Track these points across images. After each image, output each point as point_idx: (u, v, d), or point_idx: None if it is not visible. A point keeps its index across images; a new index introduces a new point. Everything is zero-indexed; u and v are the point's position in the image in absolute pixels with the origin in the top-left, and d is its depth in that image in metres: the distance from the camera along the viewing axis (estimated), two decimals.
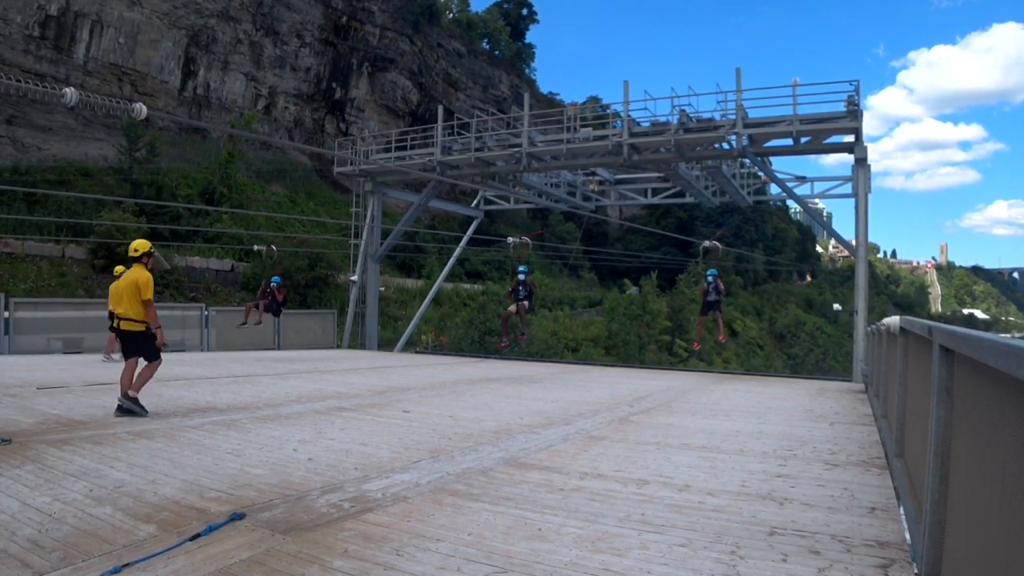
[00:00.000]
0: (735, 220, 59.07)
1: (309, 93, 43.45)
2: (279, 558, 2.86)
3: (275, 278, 15.08)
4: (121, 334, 6.65)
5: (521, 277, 12.10)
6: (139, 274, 6.51)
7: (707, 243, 12.77)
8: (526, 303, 12.02)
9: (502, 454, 5.14)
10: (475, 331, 29.54)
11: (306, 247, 29.32)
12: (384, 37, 46.86)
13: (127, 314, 6.47)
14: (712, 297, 11.96)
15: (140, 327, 6.50)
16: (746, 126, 13.76)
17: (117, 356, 12.18)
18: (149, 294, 6.45)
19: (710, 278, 12.13)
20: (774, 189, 18.28)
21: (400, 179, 20.02)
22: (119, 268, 10.39)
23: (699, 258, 15.45)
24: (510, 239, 14.64)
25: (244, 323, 15.14)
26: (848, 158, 13.93)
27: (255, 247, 19.99)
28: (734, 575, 2.78)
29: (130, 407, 6.25)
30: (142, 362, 6.60)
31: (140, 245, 6.72)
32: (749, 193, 18.73)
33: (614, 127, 16.49)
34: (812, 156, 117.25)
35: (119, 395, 6.34)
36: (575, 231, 46.92)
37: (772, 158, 15.62)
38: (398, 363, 14.79)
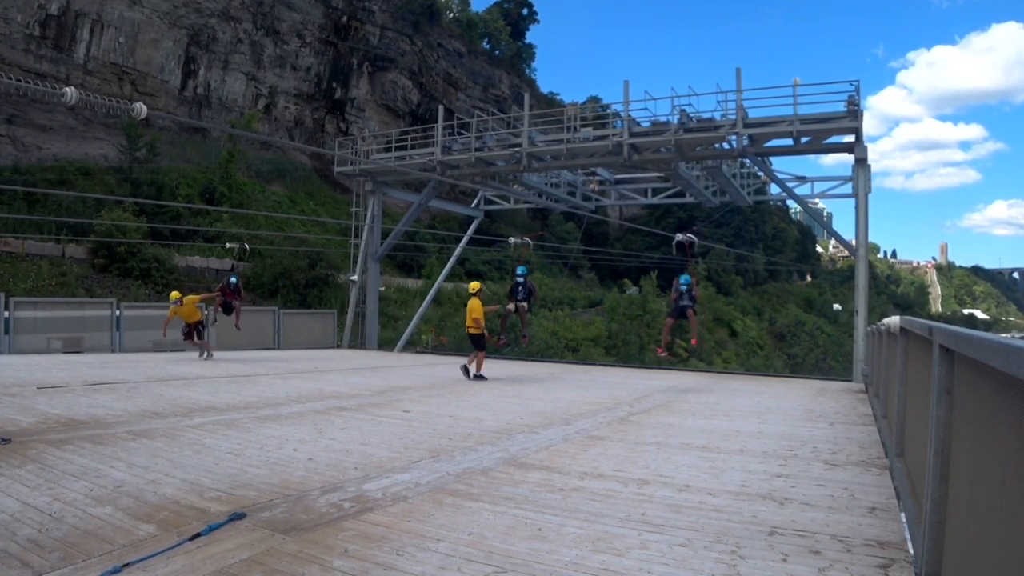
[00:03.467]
0: (735, 220, 59.02)
1: (309, 93, 43.39)
2: (279, 558, 2.86)
3: (232, 278, 15.04)
4: (469, 337, 11.38)
5: (519, 279, 11.99)
6: (474, 303, 11.05)
7: (680, 237, 11.84)
8: (525, 304, 11.88)
9: (502, 454, 5.14)
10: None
11: (306, 247, 29.30)
12: (384, 37, 46.83)
13: (470, 326, 11.06)
14: (684, 301, 11.18)
15: (477, 332, 11.00)
16: (746, 126, 13.76)
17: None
18: (478, 314, 10.93)
19: (683, 286, 11.04)
20: (774, 189, 18.30)
21: (400, 179, 20.02)
22: (175, 294, 13.88)
23: (674, 253, 13.85)
24: (511, 239, 14.57)
25: (214, 321, 15.04)
26: (848, 158, 13.93)
27: (227, 244, 19.60)
28: (734, 575, 2.78)
29: (478, 376, 10.92)
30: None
31: (474, 286, 11.41)
32: (749, 193, 18.74)
33: (614, 127, 16.48)
34: (812, 156, 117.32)
35: (473, 372, 10.98)
36: (575, 231, 46.83)
37: (772, 158, 15.63)
38: (398, 363, 14.80)
